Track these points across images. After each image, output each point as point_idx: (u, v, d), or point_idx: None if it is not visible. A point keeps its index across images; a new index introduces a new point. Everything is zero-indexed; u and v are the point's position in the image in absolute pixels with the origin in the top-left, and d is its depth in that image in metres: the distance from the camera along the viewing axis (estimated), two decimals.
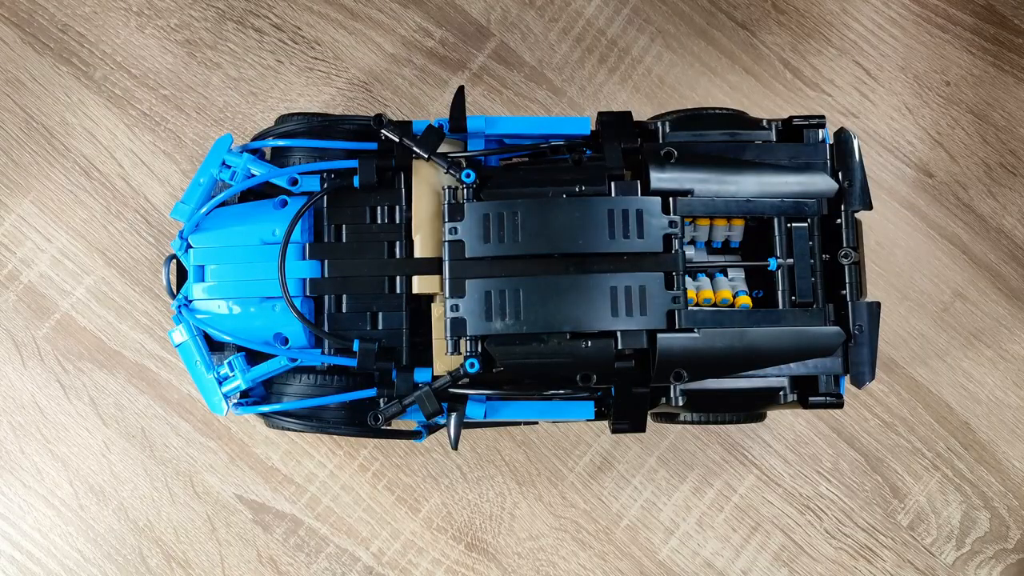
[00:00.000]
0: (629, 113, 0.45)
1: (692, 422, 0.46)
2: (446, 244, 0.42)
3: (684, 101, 0.55)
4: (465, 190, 0.42)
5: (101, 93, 0.54)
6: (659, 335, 0.41)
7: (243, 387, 0.43)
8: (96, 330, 0.52)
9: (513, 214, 0.41)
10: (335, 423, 0.44)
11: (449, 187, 0.42)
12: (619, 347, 0.41)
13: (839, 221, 0.43)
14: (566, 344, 0.41)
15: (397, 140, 0.43)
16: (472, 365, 0.41)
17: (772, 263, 0.43)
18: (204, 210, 0.44)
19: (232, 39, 0.54)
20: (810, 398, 0.43)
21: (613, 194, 0.42)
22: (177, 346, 0.44)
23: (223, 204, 0.45)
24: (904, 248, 0.54)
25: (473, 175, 0.42)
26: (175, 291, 0.45)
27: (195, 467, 0.52)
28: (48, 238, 0.53)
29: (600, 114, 0.46)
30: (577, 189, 0.42)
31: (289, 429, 0.45)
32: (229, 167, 0.44)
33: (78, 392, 0.52)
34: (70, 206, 0.53)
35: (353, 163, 0.43)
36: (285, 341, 0.44)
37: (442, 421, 0.43)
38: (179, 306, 0.44)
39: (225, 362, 0.44)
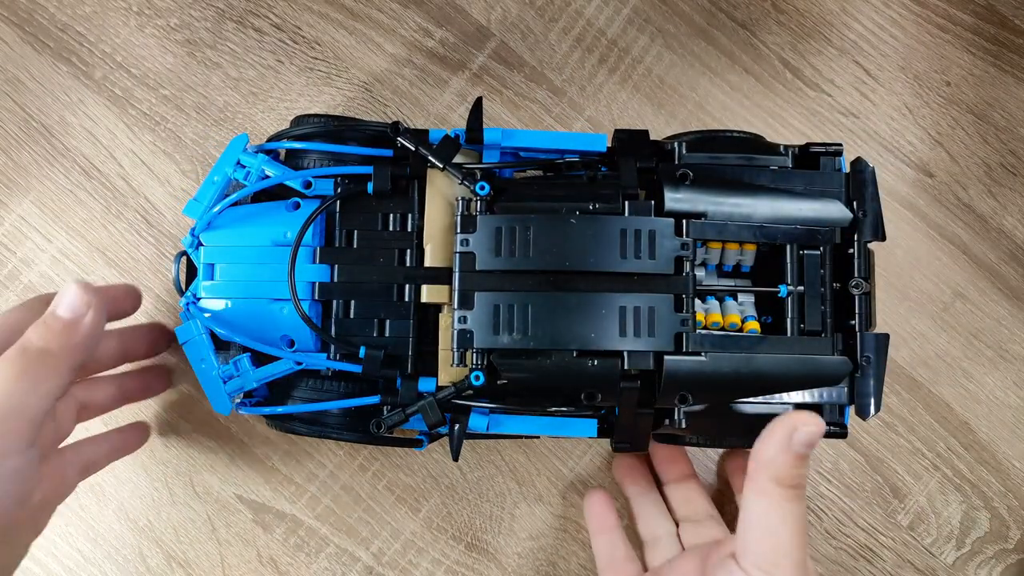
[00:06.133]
0: (646, 132, 0.45)
1: (694, 444, 0.46)
2: (457, 256, 0.42)
3: (684, 101, 0.55)
4: (478, 202, 0.42)
5: (101, 93, 0.54)
6: (666, 357, 0.41)
7: (247, 387, 0.44)
8: None
9: (525, 229, 0.41)
10: (337, 428, 0.44)
11: (463, 198, 0.42)
12: (625, 367, 0.41)
13: (851, 251, 0.43)
14: (572, 362, 0.41)
15: (413, 148, 0.43)
16: (477, 378, 0.41)
17: (783, 290, 0.43)
18: (216, 209, 0.44)
19: (232, 39, 0.54)
20: None
21: (626, 213, 0.42)
22: (183, 343, 0.44)
23: (236, 204, 0.45)
24: (904, 248, 0.54)
25: (487, 187, 0.42)
26: (184, 288, 0.45)
27: (195, 467, 0.52)
28: (48, 238, 0.53)
29: (617, 131, 0.46)
30: (591, 207, 0.42)
31: (291, 432, 0.45)
32: (244, 167, 0.45)
33: None
34: (70, 206, 0.53)
35: (368, 169, 0.43)
36: (291, 343, 0.44)
37: (444, 431, 0.43)
38: (187, 304, 0.44)
39: (231, 361, 0.44)
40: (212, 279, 0.44)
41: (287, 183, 0.44)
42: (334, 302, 0.43)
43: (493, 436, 0.45)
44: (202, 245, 0.44)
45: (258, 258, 0.44)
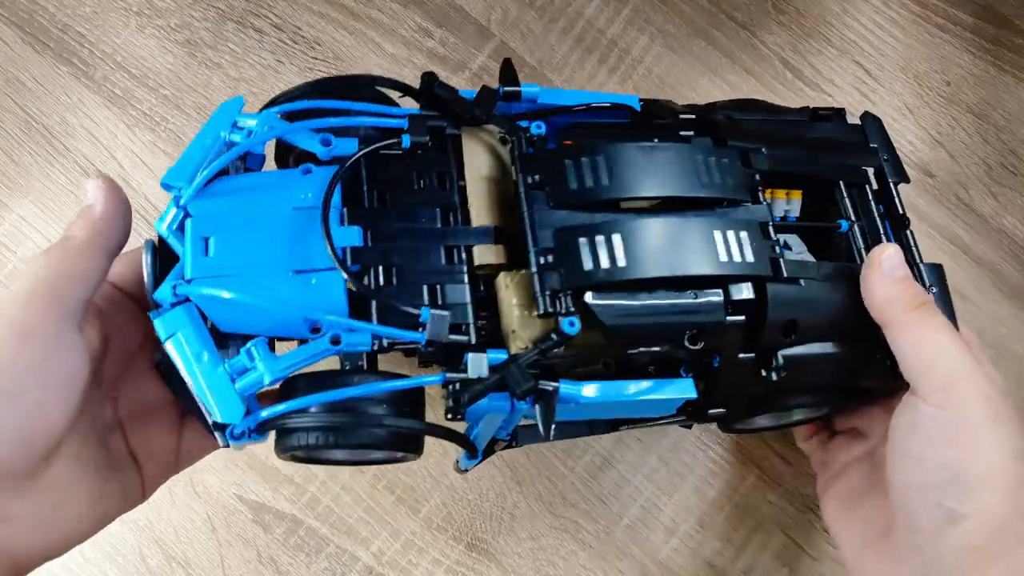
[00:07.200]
0: (670, 101, 0.46)
1: (765, 429, 0.46)
2: (521, 194, 0.38)
3: (684, 101, 0.55)
4: (537, 140, 0.39)
5: (101, 93, 0.54)
6: (769, 284, 0.38)
7: (270, 380, 0.34)
8: None
9: (596, 159, 0.38)
10: (379, 441, 0.35)
11: (521, 136, 0.39)
12: (729, 296, 0.38)
13: (886, 192, 0.44)
14: (674, 295, 0.37)
15: (450, 99, 0.40)
16: (572, 324, 0.35)
17: (843, 225, 0.43)
18: (207, 172, 0.36)
19: (232, 39, 0.54)
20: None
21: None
22: (167, 339, 0.34)
23: (224, 172, 0.38)
24: None
25: (544, 126, 0.39)
26: (156, 284, 0.36)
27: (195, 467, 0.51)
28: (48, 238, 0.53)
29: (642, 100, 0.45)
30: (651, 141, 0.40)
31: (321, 462, 0.39)
32: (241, 128, 0.38)
33: None
34: (70, 206, 0.53)
35: (401, 122, 0.39)
36: (315, 330, 0.35)
37: (524, 407, 0.37)
38: (174, 285, 0.35)
39: (243, 351, 0.34)
40: (207, 254, 0.35)
41: (300, 145, 0.38)
42: (371, 270, 0.37)
43: (570, 433, 0.43)
44: (189, 216, 0.36)
45: (269, 225, 0.36)
